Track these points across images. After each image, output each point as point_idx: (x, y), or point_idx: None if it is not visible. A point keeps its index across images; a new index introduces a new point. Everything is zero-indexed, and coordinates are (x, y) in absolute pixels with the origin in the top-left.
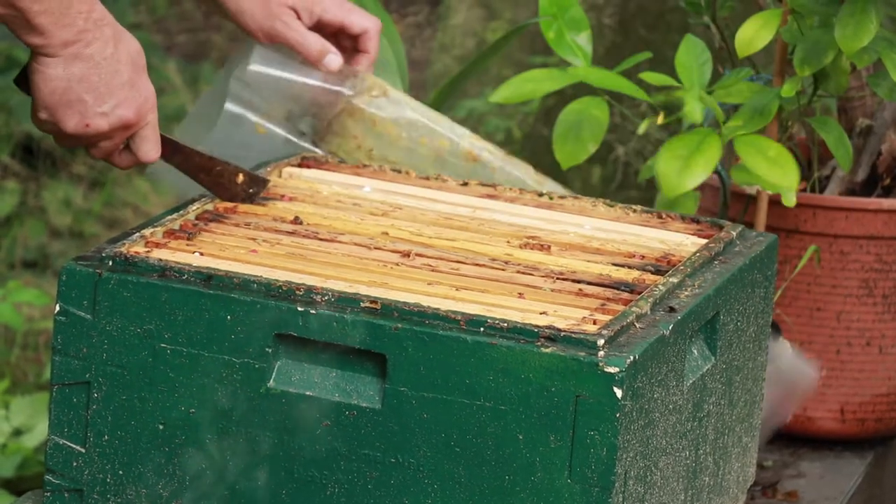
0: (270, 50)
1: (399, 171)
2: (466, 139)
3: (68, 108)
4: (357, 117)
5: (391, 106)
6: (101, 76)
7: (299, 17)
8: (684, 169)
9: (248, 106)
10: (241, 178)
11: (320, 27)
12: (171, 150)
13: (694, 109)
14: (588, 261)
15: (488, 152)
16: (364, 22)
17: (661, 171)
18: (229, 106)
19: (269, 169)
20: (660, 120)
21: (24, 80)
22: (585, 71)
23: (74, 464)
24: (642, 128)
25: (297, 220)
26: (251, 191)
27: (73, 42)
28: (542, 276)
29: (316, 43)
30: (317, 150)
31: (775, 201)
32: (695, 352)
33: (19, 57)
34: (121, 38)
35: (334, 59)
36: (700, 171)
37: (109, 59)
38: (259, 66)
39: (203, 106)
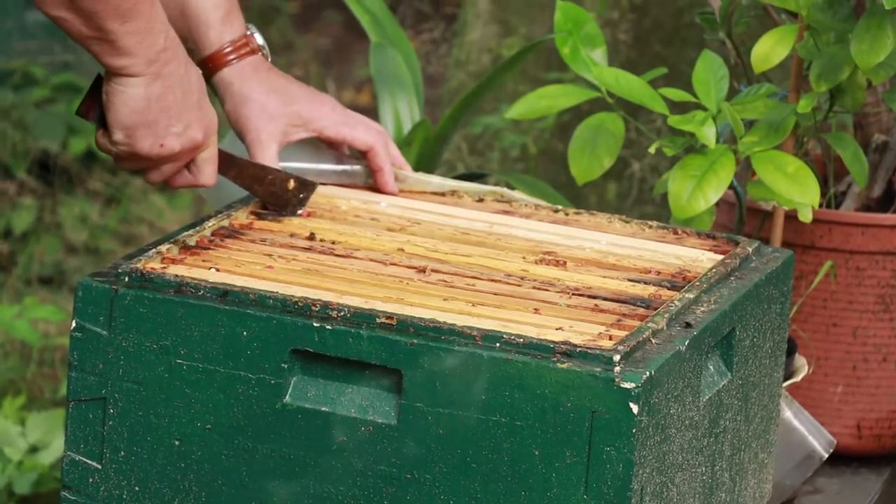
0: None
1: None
2: (492, 187)
3: (146, 128)
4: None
5: (413, 176)
6: (176, 96)
7: (294, 129)
8: (696, 190)
9: None
10: (291, 184)
11: (324, 142)
12: (227, 164)
13: (706, 134)
14: (604, 276)
15: (518, 195)
16: (367, 138)
17: (673, 192)
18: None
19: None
20: (652, 149)
21: (88, 107)
22: (611, 74)
23: (91, 480)
24: (653, 148)
25: (312, 237)
26: (301, 196)
27: (155, 61)
28: (558, 292)
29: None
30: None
31: (791, 217)
32: (711, 367)
33: (35, 73)
34: (189, 60)
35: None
36: (712, 193)
37: (183, 79)
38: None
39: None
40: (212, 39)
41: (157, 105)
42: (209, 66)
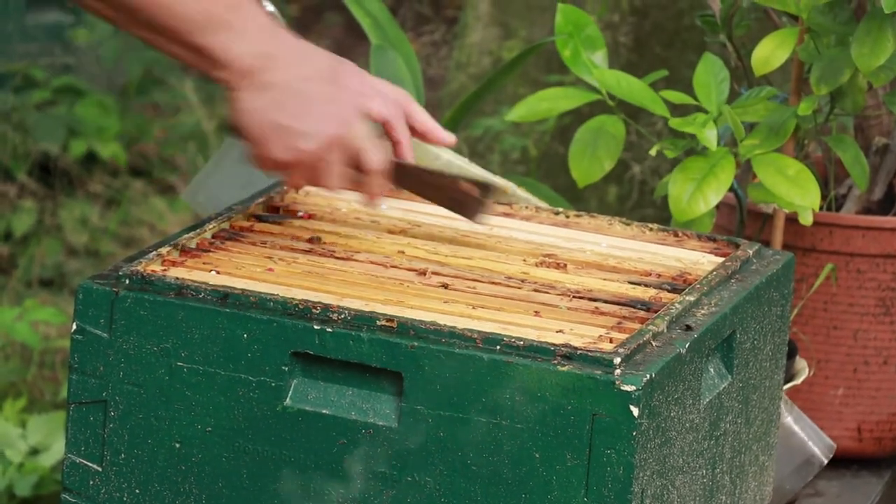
0: None
1: None
2: (500, 180)
3: (272, 136)
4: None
5: (423, 147)
6: (293, 97)
7: None
8: (696, 192)
9: None
10: (470, 188)
11: None
12: (402, 174)
13: (707, 136)
14: (604, 279)
15: (522, 192)
16: (383, 110)
17: (673, 194)
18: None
19: (285, 187)
20: (653, 151)
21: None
22: (612, 77)
23: (91, 482)
24: (654, 150)
25: (313, 241)
26: (483, 199)
27: (255, 70)
28: (559, 295)
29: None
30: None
31: (792, 219)
32: (711, 370)
33: (36, 76)
34: (306, 55)
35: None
36: (712, 195)
37: (296, 79)
38: None
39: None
40: None
41: (276, 113)
42: None
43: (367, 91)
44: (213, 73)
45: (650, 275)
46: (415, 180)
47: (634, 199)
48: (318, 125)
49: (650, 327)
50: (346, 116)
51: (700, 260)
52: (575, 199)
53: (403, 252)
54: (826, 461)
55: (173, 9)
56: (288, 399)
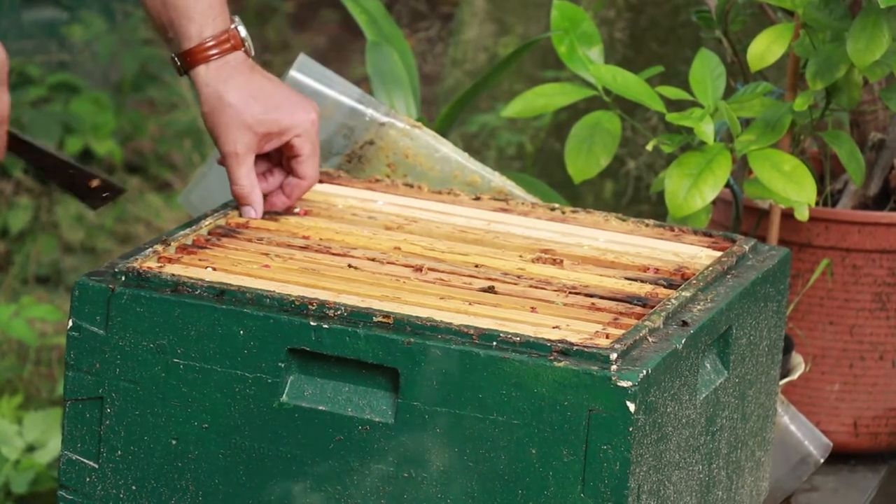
0: (313, 63)
1: (412, 186)
2: (497, 177)
3: None
4: (390, 148)
5: (424, 138)
6: None
7: (270, 140)
8: (692, 188)
9: None
10: (95, 183)
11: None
12: (23, 149)
13: (704, 130)
14: (601, 275)
15: (518, 190)
16: (308, 171)
17: (669, 190)
18: None
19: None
20: (650, 146)
21: None
22: (608, 72)
23: (87, 479)
24: (651, 145)
25: (308, 238)
26: (105, 195)
27: None
28: (555, 291)
29: (247, 187)
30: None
31: (788, 215)
32: (707, 366)
33: (31, 73)
34: None
35: (249, 210)
36: (708, 191)
37: None
38: (298, 74)
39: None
40: (191, 33)
41: None
42: (187, 60)
43: (316, 145)
44: None
45: (648, 269)
46: (36, 157)
47: (630, 194)
48: None
49: (646, 323)
50: None
51: (698, 254)
52: (571, 195)
53: (400, 248)
54: (822, 460)
55: None
56: (284, 395)
